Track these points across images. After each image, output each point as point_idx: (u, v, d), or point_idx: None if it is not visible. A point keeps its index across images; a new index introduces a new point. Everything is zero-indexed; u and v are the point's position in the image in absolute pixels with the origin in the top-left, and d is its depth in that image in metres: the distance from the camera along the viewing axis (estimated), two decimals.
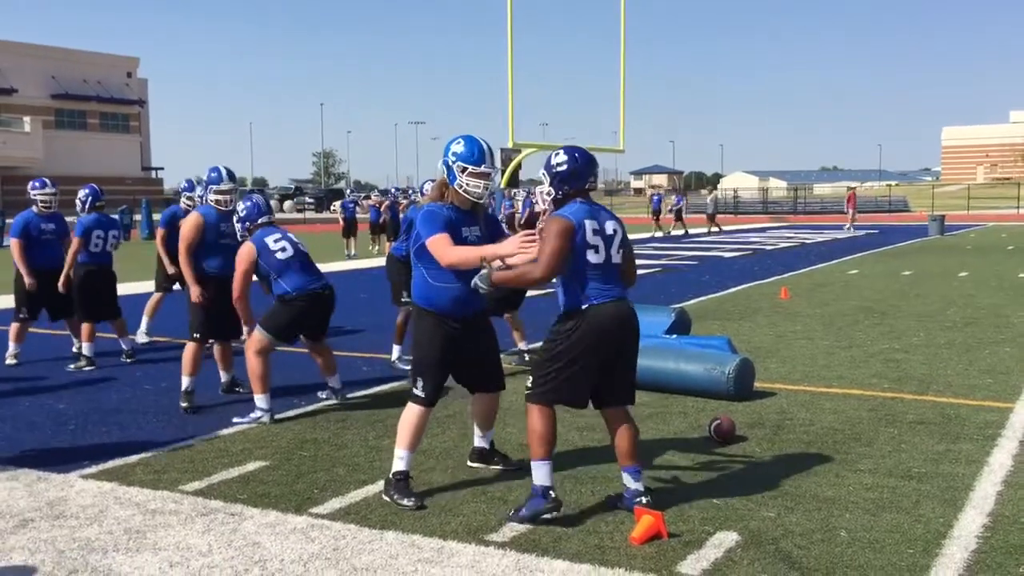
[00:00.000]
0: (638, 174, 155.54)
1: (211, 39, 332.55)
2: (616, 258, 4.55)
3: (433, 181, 9.13)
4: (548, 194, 4.72)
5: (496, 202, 27.68)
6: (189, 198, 9.73)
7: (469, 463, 5.37)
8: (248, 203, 6.87)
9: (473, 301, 4.85)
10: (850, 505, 4.68)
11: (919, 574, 3.86)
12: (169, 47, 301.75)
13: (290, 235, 6.80)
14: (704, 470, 5.32)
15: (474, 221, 4.90)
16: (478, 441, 5.38)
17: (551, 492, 4.48)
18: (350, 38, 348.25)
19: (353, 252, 24.71)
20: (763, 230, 39.35)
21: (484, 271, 4.55)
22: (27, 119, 68.88)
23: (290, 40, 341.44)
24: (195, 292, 6.96)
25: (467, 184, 4.78)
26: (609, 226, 4.54)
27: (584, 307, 4.47)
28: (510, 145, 29.16)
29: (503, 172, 28.78)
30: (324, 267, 8.52)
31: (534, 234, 4.47)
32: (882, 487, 4.96)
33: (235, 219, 6.93)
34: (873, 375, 7.93)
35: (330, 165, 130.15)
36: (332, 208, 63.40)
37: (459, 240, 4.74)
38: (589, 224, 4.47)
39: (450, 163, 4.79)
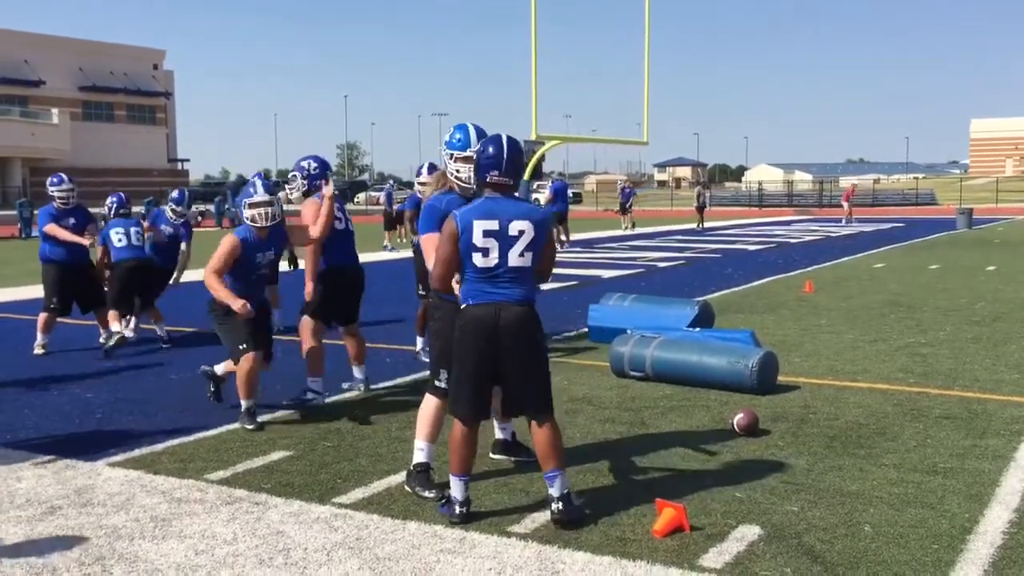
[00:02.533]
0: (662, 166, 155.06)
1: (236, 31, 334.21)
2: (516, 260, 4.28)
3: (433, 164, 9.47)
4: (541, 188, 4.72)
5: (522, 192, 27.61)
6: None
7: (491, 455, 5.38)
8: (316, 161, 6.91)
9: None
10: (874, 500, 4.65)
11: (944, 569, 3.83)
12: (195, 39, 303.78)
13: (346, 209, 6.95)
14: (727, 463, 5.30)
15: None
16: (499, 433, 5.39)
17: (456, 507, 4.39)
18: (374, 30, 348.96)
19: (388, 245, 23.67)
20: (788, 223, 39.10)
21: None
22: (55, 111, 69.61)
23: (315, 32, 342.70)
24: (238, 305, 5.99)
25: (456, 171, 4.84)
26: (515, 226, 4.27)
27: (463, 306, 4.40)
28: (533, 137, 29.10)
29: (526, 164, 28.72)
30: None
31: None
32: (907, 482, 4.93)
33: (301, 175, 6.85)
34: (898, 369, 7.87)
35: (354, 157, 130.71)
36: (356, 200, 63.55)
37: None
38: (480, 224, 4.25)
39: (442, 153, 4.91)
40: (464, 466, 4.44)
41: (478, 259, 4.28)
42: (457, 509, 4.40)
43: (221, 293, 6.06)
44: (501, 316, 4.28)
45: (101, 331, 9.38)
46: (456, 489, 4.44)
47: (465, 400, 4.41)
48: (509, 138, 4.44)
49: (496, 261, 4.28)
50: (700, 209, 34.84)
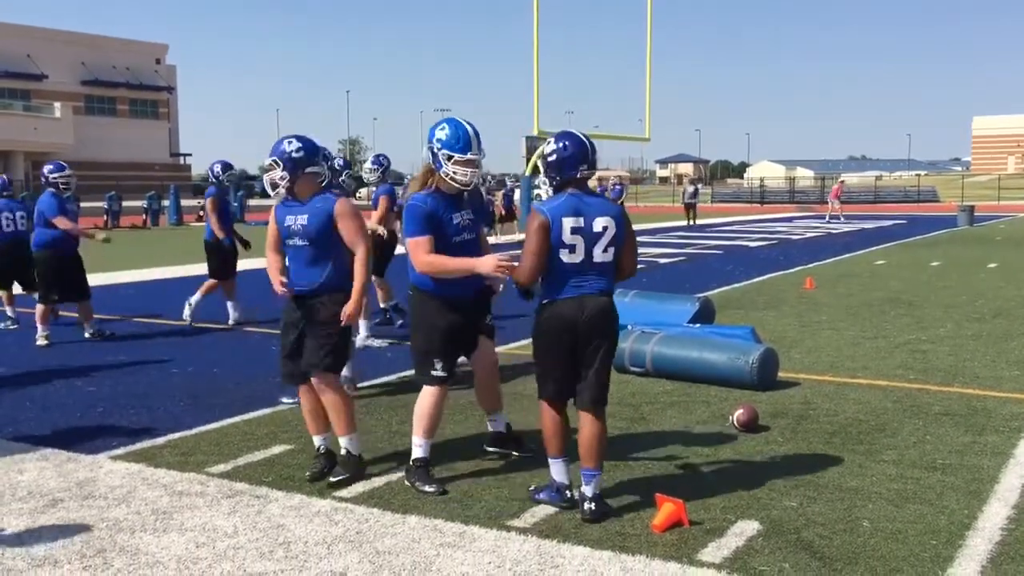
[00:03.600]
0: (664, 163, 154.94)
1: (239, 26, 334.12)
2: (600, 256, 4.34)
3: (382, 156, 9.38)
4: (543, 183, 4.60)
5: (523, 188, 27.64)
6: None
7: (486, 447, 5.40)
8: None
9: (474, 281, 4.84)
10: (873, 496, 4.67)
11: (942, 565, 3.84)
12: (197, 34, 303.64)
13: None
14: (726, 459, 5.32)
15: (463, 205, 4.84)
16: (492, 425, 5.39)
17: (568, 492, 4.51)
18: (376, 25, 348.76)
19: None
20: (789, 219, 39.08)
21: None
22: (57, 105, 69.55)
23: (317, 27, 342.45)
24: (275, 282, 5.17)
25: (454, 172, 4.69)
26: (599, 223, 4.33)
27: (545, 302, 4.42)
28: (535, 133, 29.13)
29: (527, 160, 28.78)
30: None
31: (509, 260, 4.44)
32: (906, 478, 4.94)
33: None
34: (899, 366, 7.87)
35: (356, 152, 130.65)
36: (357, 195, 63.55)
37: (449, 227, 4.73)
38: (568, 222, 4.30)
39: (435, 150, 4.71)
40: (564, 446, 4.51)
41: (565, 255, 4.31)
42: (569, 494, 4.47)
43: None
44: (585, 307, 4.34)
45: (86, 324, 9.48)
46: (561, 472, 4.50)
47: (554, 383, 4.47)
48: (581, 133, 4.47)
49: (582, 258, 4.32)
50: (689, 207, 34.35)
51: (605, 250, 4.35)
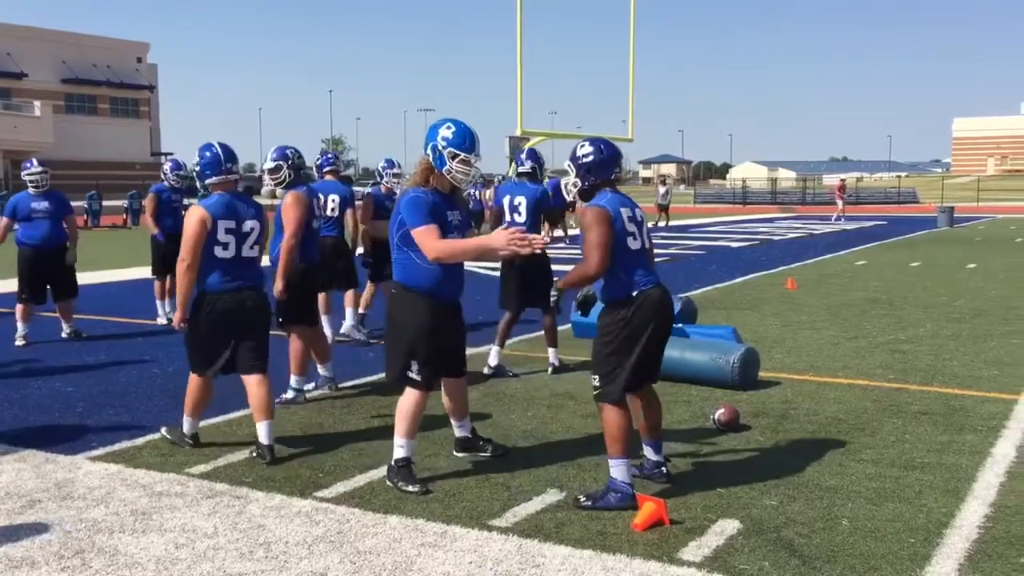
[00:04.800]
0: (647, 163, 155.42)
1: (221, 25, 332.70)
2: (647, 243, 4.69)
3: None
4: (574, 184, 4.79)
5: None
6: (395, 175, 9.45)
7: (455, 453, 5.37)
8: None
9: (457, 283, 4.87)
10: (852, 494, 4.69)
11: (920, 563, 3.87)
12: (179, 32, 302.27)
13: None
14: (707, 458, 5.34)
15: (455, 205, 4.88)
16: (458, 431, 5.36)
17: (632, 490, 4.51)
18: (360, 25, 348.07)
19: None
20: (771, 220, 39.25)
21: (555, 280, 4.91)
22: (37, 103, 68.94)
23: (300, 26, 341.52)
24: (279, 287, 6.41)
25: (456, 170, 4.73)
26: (638, 213, 4.69)
27: (634, 294, 4.55)
28: (518, 133, 29.17)
29: (511, 160, 28.81)
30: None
31: (522, 234, 4.43)
32: (885, 477, 4.97)
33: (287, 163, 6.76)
34: (878, 366, 7.92)
35: (339, 152, 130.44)
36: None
37: (444, 225, 4.72)
38: (625, 211, 4.58)
39: (440, 148, 4.71)
40: (630, 447, 4.55)
41: (632, 242, 4.58)
42: (633, 491, 4.47)
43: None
44: (665, 296, 4.65)
45: (64, 324, 9.40)
46: (627, 473, 4.50)
47: (633, 374, 4.55)
48: (606, 141, 4.82)
49: (639, 244, 4.62)
50: (662, 207, 34.04)
51: (649, 235, 4.73)
